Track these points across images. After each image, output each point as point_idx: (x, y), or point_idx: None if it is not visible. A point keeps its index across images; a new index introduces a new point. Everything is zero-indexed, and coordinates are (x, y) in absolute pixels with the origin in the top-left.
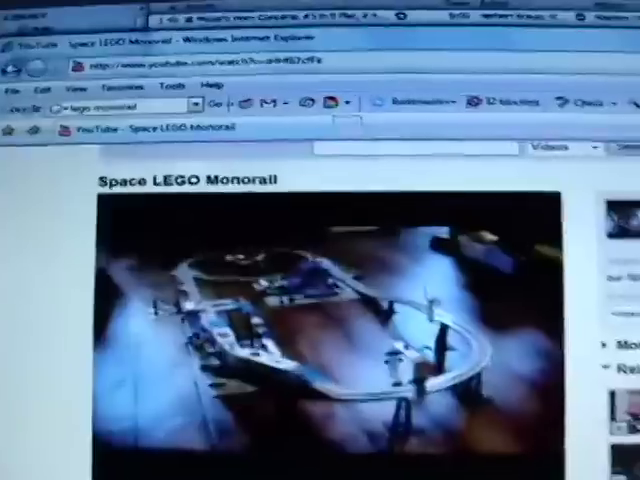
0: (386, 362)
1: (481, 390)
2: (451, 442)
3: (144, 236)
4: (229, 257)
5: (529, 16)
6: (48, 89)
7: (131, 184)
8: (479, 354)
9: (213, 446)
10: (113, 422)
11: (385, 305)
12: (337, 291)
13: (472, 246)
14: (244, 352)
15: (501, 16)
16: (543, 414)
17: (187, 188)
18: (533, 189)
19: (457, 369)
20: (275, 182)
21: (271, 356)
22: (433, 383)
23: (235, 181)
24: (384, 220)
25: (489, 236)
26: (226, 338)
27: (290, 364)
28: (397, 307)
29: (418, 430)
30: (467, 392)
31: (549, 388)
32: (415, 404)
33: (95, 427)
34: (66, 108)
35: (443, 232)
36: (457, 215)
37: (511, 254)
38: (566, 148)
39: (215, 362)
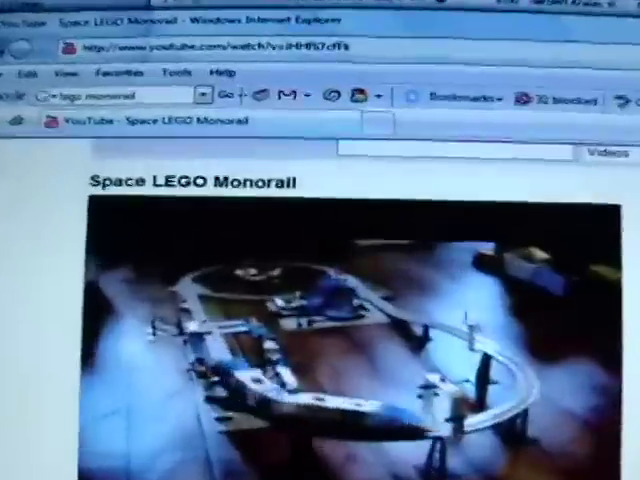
0: (419, 397)
1: (527, 430)
2: None
3: (141, 245)
4: (239, 272)
5: (585, 3)
6: (34, 73)
7: (127, 184)
8: (525, 388)
9: None
10: (102, 459)
11: (419, 331)
12: (363, 313)
13: (519, 265)
14: (304, 399)
15: (554, 2)
16: (597, 458)
17: (192, 190)
18: (589, 201)
19: (500, 405)
20: (294, 186)
21: (343, 400)
22: (472, 421)
23: (248, 184)
24: (419, 233)
25: (539, 253)
26: (263, 385)
27: (374, 405)
28: (432, 333)
29: (454, 476)
30: (511, 432)
31: (604, 428)
32: (451, 445)
33: (81, 465)
34: (54, 96)
35: (487, 248)
36: (503, 229)
37: (563, 274)
38: (627, 155)
39: (221, 393)
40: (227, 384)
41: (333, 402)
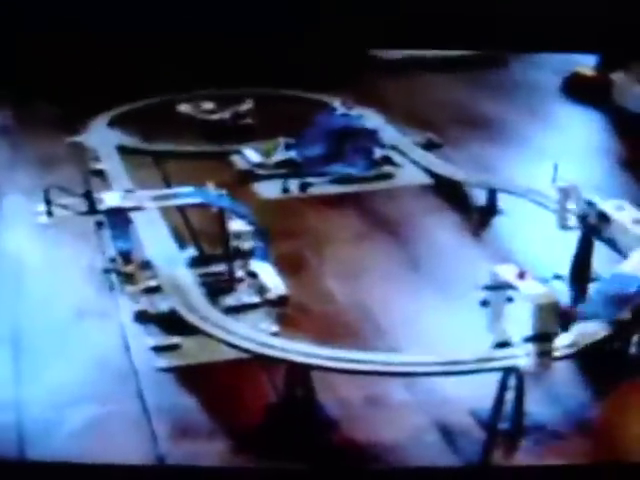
0: (483, 303)
1: None
2: (594, 446)
3: (21, 70)
4: (185, 106)
5: None
6: None
7: None
8: None
9: (160, 459)
10: None
11: (481, 198)
12: (392, 170)
13: (637, 92)
14: None
15: None
16: None
17: None
18: None
19: (607, 314)
20: None
21: None
22: (566, 341)
23: None
24: (481, 40)
25: None
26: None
27: None
28: (503, 201)
29: (536, 427)
30: (624, 356)
31: None
32: (533, 379)
33: None
34: None
35: (585, 65)
36: (611, 36)
37: None
38: None
39: (162, 306)
40: (171, 290)
41: None
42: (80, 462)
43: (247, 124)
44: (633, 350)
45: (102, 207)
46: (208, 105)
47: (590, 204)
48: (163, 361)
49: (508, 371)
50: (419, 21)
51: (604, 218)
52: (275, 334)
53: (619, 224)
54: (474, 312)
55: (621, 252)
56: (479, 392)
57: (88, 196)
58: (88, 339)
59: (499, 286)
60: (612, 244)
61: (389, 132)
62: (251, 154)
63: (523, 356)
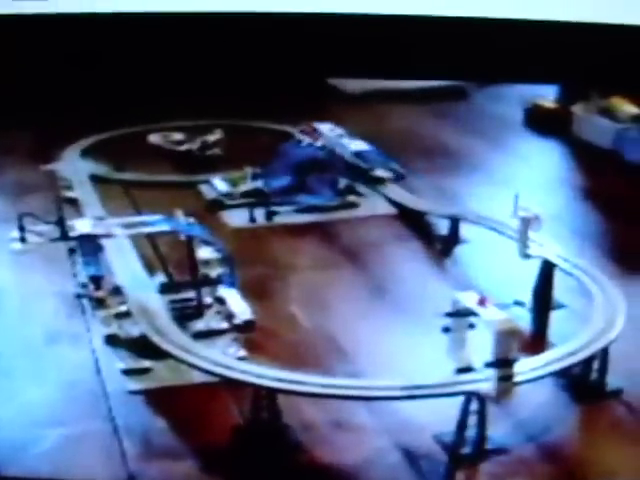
0: (445, 330)
1: (606, 378)
2: (556, 469)
3: None
4: (155, 137)
5: None
6: None
7: None
8: (606, 315)
9: (131, 478)
10: None
11: (444, 226)
12: (356, 200)
13: (596, 123)
14: None
15: None
16: None
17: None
18: None
19: (568, 342)
20: None
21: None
22: (527, 367)
23: None
24: (445, 71)
25: (627, 108)
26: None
27: None
28: (465, 231)
29: (498, 450)
30: (584, 382)
31: None
32: (495, 404)
33: None
34: None
35: (545, 97)
36: (571, 66)
37: None
38: None
39: (132, 330)
40: (141, 315)
41: None
42: (53, 479)
43: (215, 154)
44: (594, 376)
45: (74, 234)
46: (177, 136)
47: None
48: (133, 384)
49: (470, 396)
50: (382, 51)
51: None
52: (242, 358)
53: None
54: (437, 338)
55: None
56: (442, 416)
57: (60, 223)
58: (60, 362)
59: (461, 313)
60: None
61: (354, 162)
62: (219, 184)
63: (485, 381)
